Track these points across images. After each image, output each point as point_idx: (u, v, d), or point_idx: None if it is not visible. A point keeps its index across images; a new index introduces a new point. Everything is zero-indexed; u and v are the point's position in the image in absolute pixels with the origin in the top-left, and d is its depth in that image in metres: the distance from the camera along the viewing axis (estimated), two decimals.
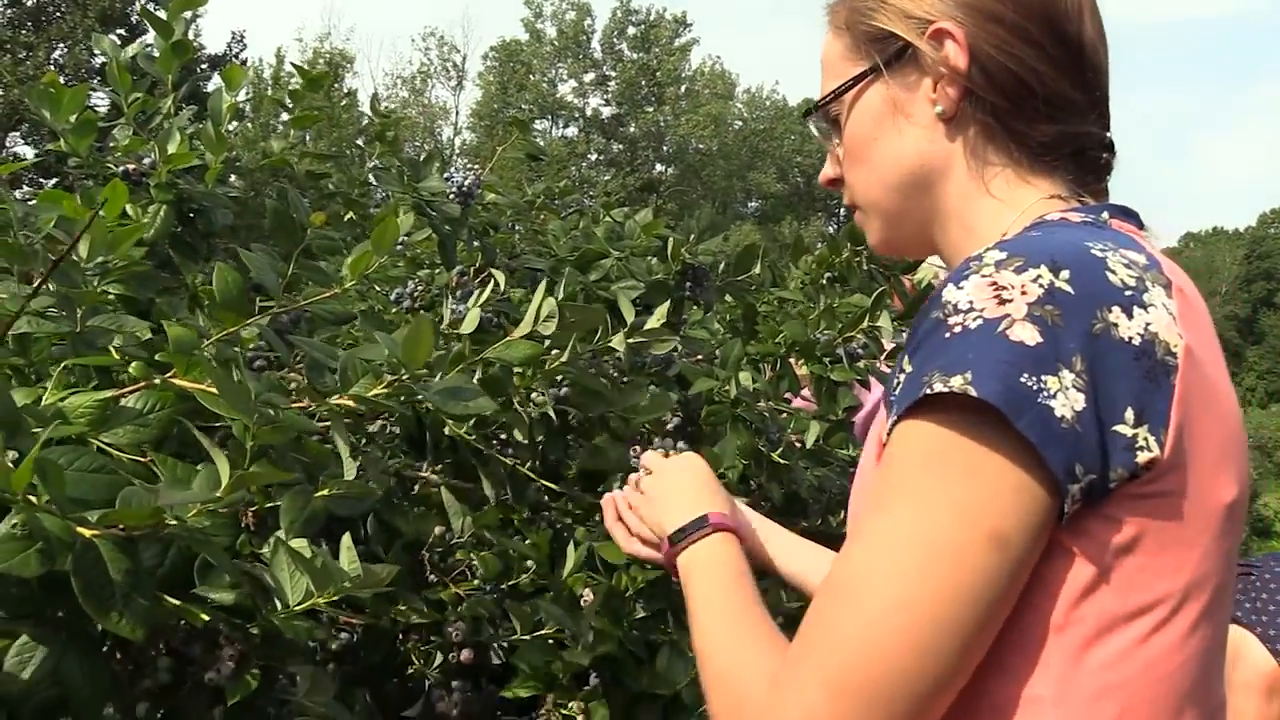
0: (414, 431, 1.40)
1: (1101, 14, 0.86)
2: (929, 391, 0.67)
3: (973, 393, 0.65)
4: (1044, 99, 0.81)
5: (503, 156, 2.53)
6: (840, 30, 0.89)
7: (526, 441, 1.38)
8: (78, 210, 1.23)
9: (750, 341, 1.96)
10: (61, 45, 22.12)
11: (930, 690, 0.67)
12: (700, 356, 1.98)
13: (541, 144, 2.44)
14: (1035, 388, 0.65)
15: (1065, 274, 0.68)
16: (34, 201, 1.50)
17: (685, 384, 1.82)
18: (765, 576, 1.09)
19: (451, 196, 1.72)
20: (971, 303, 0.68)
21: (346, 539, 0.89)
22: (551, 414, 1.37)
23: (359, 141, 2.62)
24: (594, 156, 38.40)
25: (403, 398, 1.00)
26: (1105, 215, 0.80)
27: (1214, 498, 0.71)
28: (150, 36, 1.65)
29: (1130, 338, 0.68)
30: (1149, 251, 0.75)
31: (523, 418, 1.34)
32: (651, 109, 38.60)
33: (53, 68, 20.90)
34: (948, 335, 0.68)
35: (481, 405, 1.00)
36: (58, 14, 22.28)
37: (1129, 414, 0.67)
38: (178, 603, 0.83)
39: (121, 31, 21.08)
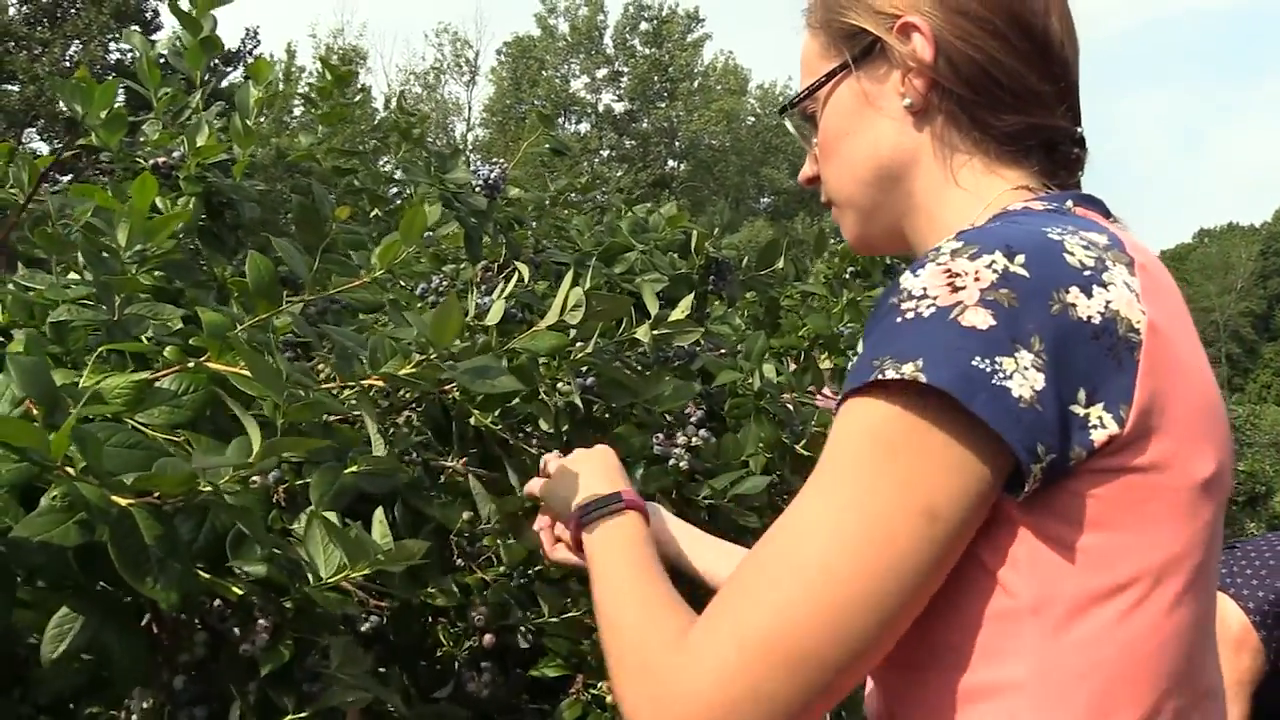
0: (441, 422, 1.41)
1: (1071, 12, 0.88)
2: (880, 377, 0.67)
3: (923, 379, 0.66)
4: (1010, 90, 0.83)
5: (523, 152, 2.54)
6: (816, 30, 0.92)
7: (552, 431, 1.39)
8: (110, 201, 1.24)
9: (773, 335, 1.97)
10: (77, 42, 22.23)
11: (845, 662, 0.68)
12: (723, 350, 1.99)
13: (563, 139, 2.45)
14: (989, 370, 0.65)
15: (1020, 258, 0.69)
16: (64, 193, 1.52)
17: (708, 378, 1.82)
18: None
19: (478, 189, 1.72)
20: (925, 289, 0.69)
21: (379, 513, 0.90)
22: (578, 403, 1.38)
23: (374, 139, 2.64)
24: (606, 152, 38.38)
25: (430, 377, 1.01)
26: (1069, 203, 0.81)
27: (1187, 473, 0.70)
28: (163, 33, 1.67)
29: (1089, 316, 0.68)
30: (1112, 232, 0.75)
31: (549, 407, 1.35)
32: (664, 105, 38.58)
33: (68, 64, 21.00)
34: (899, 320, 0.69)
35: (505, 384, 1.01)
36: (73, 10, 22.40)
37: (1081, 394, 0.67)
38: (210, 576, 0.84)
39: (136, 28, 21.16)
